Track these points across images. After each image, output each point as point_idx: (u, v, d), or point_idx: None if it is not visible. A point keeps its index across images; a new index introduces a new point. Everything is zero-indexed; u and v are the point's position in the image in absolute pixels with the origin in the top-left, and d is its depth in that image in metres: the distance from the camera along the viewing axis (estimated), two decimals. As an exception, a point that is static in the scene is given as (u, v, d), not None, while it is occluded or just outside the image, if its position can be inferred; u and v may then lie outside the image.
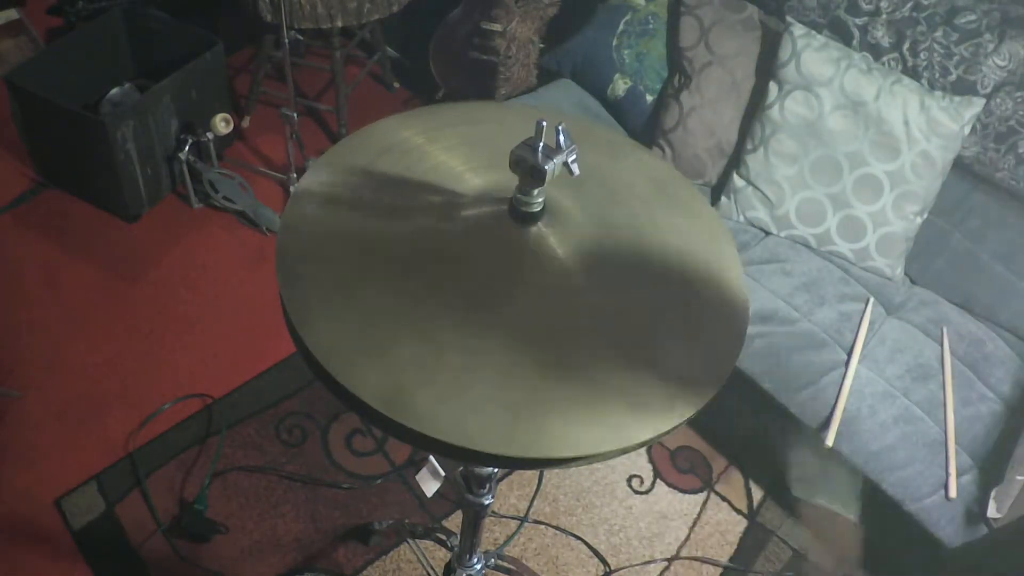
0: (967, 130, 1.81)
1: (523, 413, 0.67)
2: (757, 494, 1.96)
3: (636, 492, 1.94)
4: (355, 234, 0.78)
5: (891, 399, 1.67)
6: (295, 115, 2.22)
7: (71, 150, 2.24)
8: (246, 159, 2.57)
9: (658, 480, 1.96)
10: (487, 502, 1.10)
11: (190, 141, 2.30)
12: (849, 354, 1.73)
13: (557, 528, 1.85)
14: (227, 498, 1.80)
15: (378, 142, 0.89)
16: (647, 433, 0.68)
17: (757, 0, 2.05)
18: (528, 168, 0.73)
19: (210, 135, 2.33)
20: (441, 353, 0.70)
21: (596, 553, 1.83)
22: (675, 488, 1.95)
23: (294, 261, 0.76)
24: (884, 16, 1.90)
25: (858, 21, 1.92)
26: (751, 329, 1.74)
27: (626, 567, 1.82)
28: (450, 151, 0.89)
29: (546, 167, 0.72)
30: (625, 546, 1.85)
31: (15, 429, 1.86)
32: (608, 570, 1.81)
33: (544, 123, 0.72)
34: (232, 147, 2.59)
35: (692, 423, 2.18)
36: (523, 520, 1.85)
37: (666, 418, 0.70)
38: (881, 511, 1.65)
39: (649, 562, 1.83)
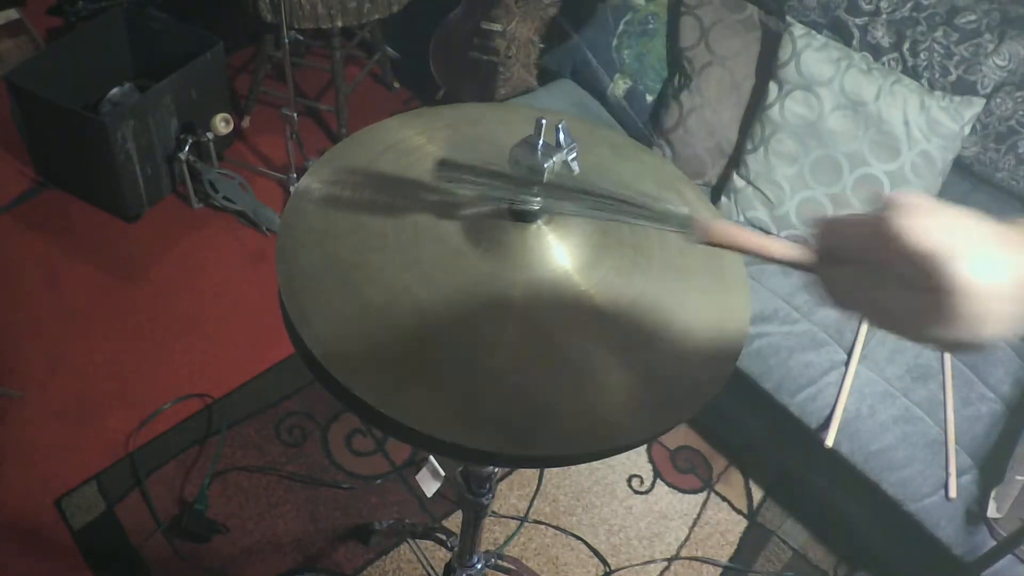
0: (967, 130, 1.81)
1: (523, 409, 0.67)
2: (757, 494, 1.96)
3: (636, 492, 1.94)
4: (355, 233, 0.78)
5: (891, 399, 1.67)
6: (295, 115, 2.22)
7: (71, 150, 2.24)
8: (246, 159, 2.57)
9: (658, 480, 1.96)
10: (487, 502, 1.10)
11: (190, 141, 2.30)
12: (849, 354, 1.73)
13: (557, 528, 1.85)
14: (227, 498, 1.80)
15: (378, 142, 0.89)
16: (645, 432, 0.68)
17: (757, 0, 2.05)
18: (527, 166, 0.73)
19: (210, 135, 2.33)
20: (439, 350, 0.70)
21: (596, 553, 1.83)
22: (675, 488, 1.95)
23: (293, 259, 0.76)
24: (884, 16, 1.90)
25: (858, 21, 1.92)
26: (751, 329, 1.74)
27: (626, 567, 1.82)
28: (450, 151, 0.89)
29: (545, 165, 0.72)
30: (625, 546, 1.85)
31: (15, 429, 1.86)
32: (608, 570, 1.81)
33: (544, 121, 0.72)
34: (232, 147, 2.59)
35: (692, 423, 2.18)
36: (523, 520, 1.85)
37: (665, 417, 0.70)
38: (881, 511, 1.65)
39: (649, 562, 1.83)
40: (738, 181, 1.97)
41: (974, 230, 0.45)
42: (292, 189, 2.05)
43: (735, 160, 2.00)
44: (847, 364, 1.71)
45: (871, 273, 0.47)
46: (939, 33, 1.84)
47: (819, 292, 0.51)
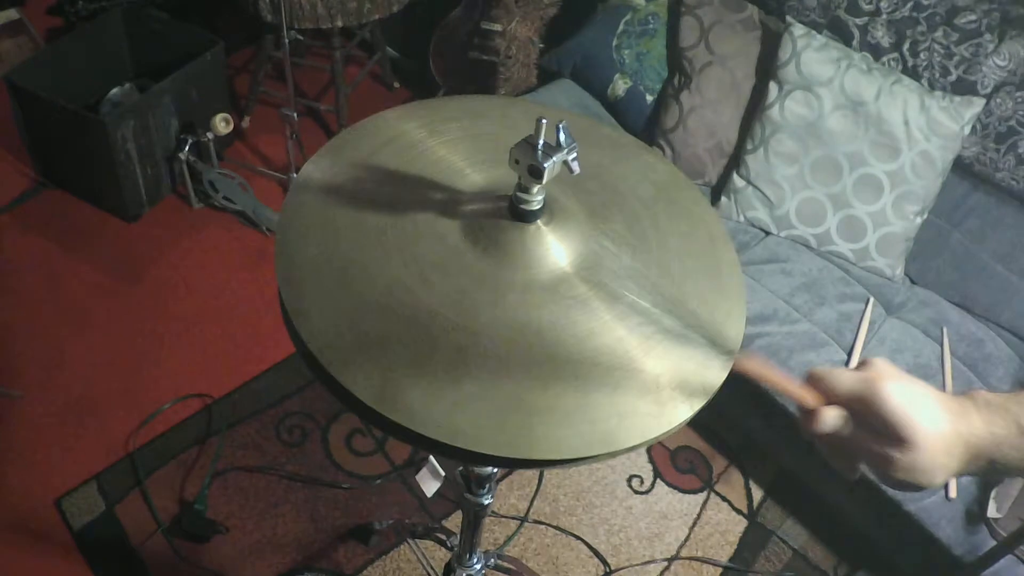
0: (967, 130, 1.81)
1: (516, 412, 0.67)
2: (757, 494, 1.96)
3: (636, 492, 1.94)
4: (354, 228, 0.78)
5: (891, 399, 1.66)
6: (295, 115, 2.22)
7: (71, 150, 2.24)
8: (246, 159, 2.57)
9: (658, 480, 1.96)
10: (487, 502, 1.09)
11: (190, 141, 2.30)
12: (849, 354, 1.73)
13: (557, 528, 1.85)
14: (227, 498, 1.80)
15: (379, 135, 0.89)
16: (644, 434, 0.68)
17: (757, 0, 2.05)
18: (527, 165, 0.73)
19: (210, 135, 2.32)
20: (435, 350, 0.69)
21: (596, 553, 1.83)
22: (675, 488, 1.95)
23: (292, 253, 0.75)
24: (884, 16, 1.90)
25: (858, 21, 1.92)
26: (751, 329, 1.74)
27: (626, 567, 1.82)
28: (451, 146, 0.89)
29: (545, 165, 0.72)
30: (625, 546, 1.85)
31: (15, 429, 1.86)
32: (608, 570, 1.81)
33: (544, 120, 0.72)
34: (232, 147, 2.59)
35: (692, 423, 2.18)
36: (523, 520, 1.85)
37: (663, 419, 0.69)
38: (881, 511, 1.65)
39: (649, 562, 1.83)
40: (738, 181, 1.97)
41: (930, 398, 0.62)
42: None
43: (735, 160, 2.00)
44: (847, 364, 1.71)
45: (856, 420, 0.60)
46: (939, 33, 1.84)
47: (810, 432, 0.62)
